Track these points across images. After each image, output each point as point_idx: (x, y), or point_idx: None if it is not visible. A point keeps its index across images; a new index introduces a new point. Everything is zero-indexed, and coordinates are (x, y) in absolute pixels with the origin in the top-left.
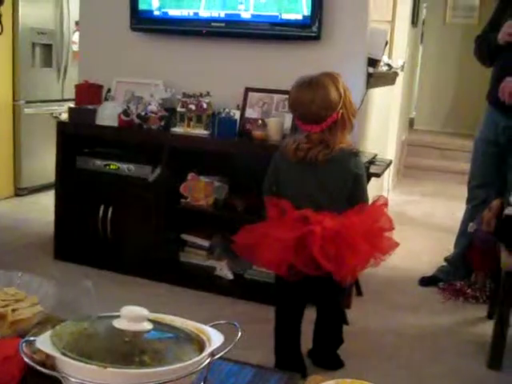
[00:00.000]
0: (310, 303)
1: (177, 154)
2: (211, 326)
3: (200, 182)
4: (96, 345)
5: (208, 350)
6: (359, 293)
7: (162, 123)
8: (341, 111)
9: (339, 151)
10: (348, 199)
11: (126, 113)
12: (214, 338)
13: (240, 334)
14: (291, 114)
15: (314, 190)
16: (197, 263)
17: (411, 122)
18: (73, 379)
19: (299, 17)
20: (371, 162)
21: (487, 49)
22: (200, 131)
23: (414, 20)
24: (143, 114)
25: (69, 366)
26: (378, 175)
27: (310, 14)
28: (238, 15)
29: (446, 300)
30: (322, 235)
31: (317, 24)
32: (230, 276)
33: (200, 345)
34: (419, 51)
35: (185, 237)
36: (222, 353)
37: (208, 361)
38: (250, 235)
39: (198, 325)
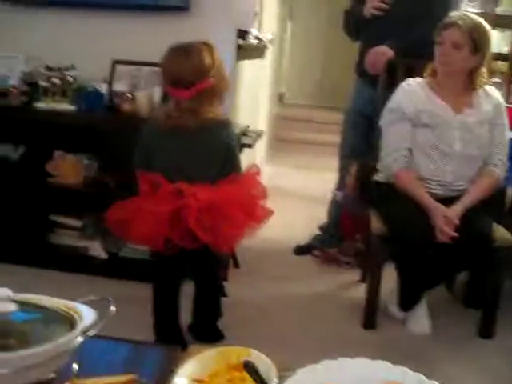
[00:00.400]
0: (188, 277)
1: (41, 130)
2: (83, 303)
3: (68, 160)
4: None
5: (79, 328)
6: (236, 265)
7: (24, 98)
8: (212, 80)
9: (211, 121)
10: (221, 170)
11: None
12: (86, 315)
13: (113, 308)
14: (161, 87)
15: (186, 162)
16: (68, 244)
17: (281, 97)
18: None
19: None
20: (243, 133)
21: (354, 22)
22: (65, 106)
23: None
24: (4, 89)
25: None
26: (250, 146)
27: None
28: None
29: (320, 267)
30: (197, 207)
31: None
32: (104, 255)
33: (71, 323)
34: (288, 26)
35: (54, 217)
36: (95, 329)
37: (80, 339)
38: (123, 211)
39: (68, 302)
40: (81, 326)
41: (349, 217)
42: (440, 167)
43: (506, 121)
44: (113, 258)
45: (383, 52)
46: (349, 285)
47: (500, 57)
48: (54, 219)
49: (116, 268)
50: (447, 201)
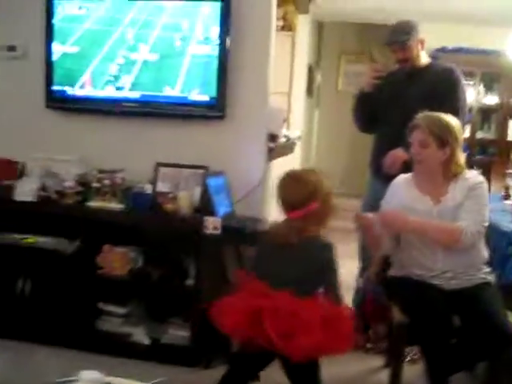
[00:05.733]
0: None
1: (93, 226)
2: None
3: (115, 253)
4: None
5: None
6: None
7: (78, 198)
8: (318, 204)
9: (313, 239)
10: (316, 284)
11: (43, 188)
12: None
13: None
14: (200, 188)
15: (283, 272)
16: (114, 331)
17: None
18: None
19: (206, 98)
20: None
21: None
22: (114, 205)
23: (310, 90)
24: (60, 189)
25: None
26: None
27: (215, 95)
28: (151, 96)
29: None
30: (274, 309)
31: (221, 105)
32: (146, 341)
33: None
34: (315, 117)
35: (101, 306)
36: None
37: None
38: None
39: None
40: None
41: (372, 303)
42: (428, 257)
43: (483, 199)
44: (155, 344)
45: (400, 156)
46: (374, 370)
47: None
48: (101, 307)
49: (158, 353)
50: (455, 294)
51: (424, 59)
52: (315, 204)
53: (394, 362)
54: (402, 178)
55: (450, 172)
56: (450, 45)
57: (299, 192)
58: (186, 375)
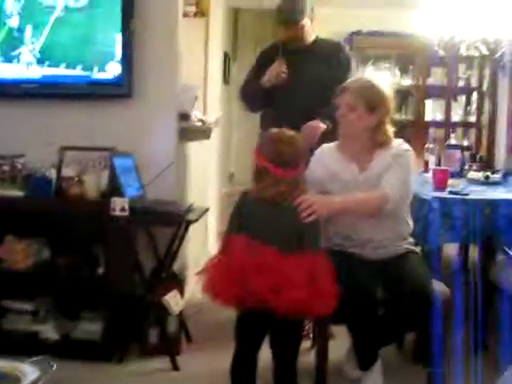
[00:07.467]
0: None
1: None
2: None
3: (18, 245)
4: None
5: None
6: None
7: None
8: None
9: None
10: (298, 243)
11: None
12: (29, 373)
13: (54, 366)
14: (107, 171)
15: (267, 230)
16: (21, 329)
17: (231, 177)
18: None
19: (109, 76)
20: (188, 210)
21: (255, 94)
22: (14, 192)
23: (226, 78)
24: None
25: None
26: (195, 221)
27: (120, 72)
28: (52, 76)
29: None
30: (260, 266)
31: (127, 83)
32: (56, 337)
33: (16, 381)
34: (233, 105)
35: (6, 303)
36: None
37: None
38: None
39: (13, 362)
40: (25, 382)
41: None
42: (350, 226)
43: (408, 167)
44: (64, 340)
45: (318, 126)
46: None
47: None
48: (5, 305)
49: (68, 349)
50: (379, 264)
51: (311, 36)
52: (302, 167)
53: (320, 342)
54: (326, 146)
55: (376, 141)
56: (365, 28)
57: (294, 152)
58: (97, 371)
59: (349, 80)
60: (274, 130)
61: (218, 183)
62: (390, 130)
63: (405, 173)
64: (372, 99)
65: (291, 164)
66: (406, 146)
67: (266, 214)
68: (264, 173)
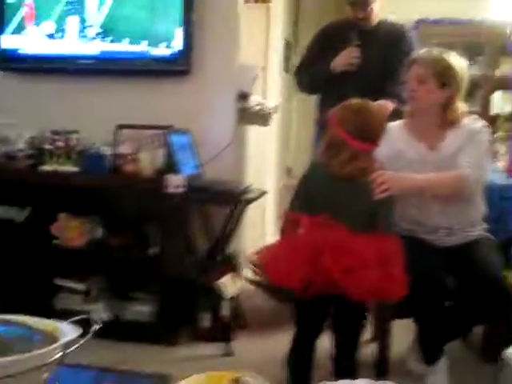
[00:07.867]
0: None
1: (46, 193)
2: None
3: (72, 222)
4: None
5: (60, 342)
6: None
7: (31, 162)
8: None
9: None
10: (371, 223)
11: None
12: (68, 332)
13: (97, 326)
14: (163, 149)
15: (340, 209)
16: (72, 308)
17: (289, 171)
18: None
19: (168, 52)
20: (246, 190)
21: (318, 77)
22: (69, 168)
23: (287, 66)
24: (10, 153)
25: None
26: (253, 200)
27: (180, 49)
28: (108, 52)
29: None
30: (331, 246)
31: (186, 59)
32: (105, 318)
33: (54, 340)
34: (293, 99)
35: (59, 281)
36: (76, 345)
37: (60, 354)
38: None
39: (51, 321)
40: (61, 341)
41: None
42: (422, 211)
43: (484, 145)
44: (116, 321)
45: (385, 105)
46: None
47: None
48: (59, 283)
49: (119, 330)
50: (450, 252)
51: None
52: (378, 144)
53: (381, 335)
54: (393, 124)
55: (446, 119)
56: (431, 16)
57: (377, 124)
58: (147, 353)
59: (420, 51)
60: (356, 100)
61: (277, 175)
62: (462, 107)
63: (482, 151)
64: (443, 73)
65: (372, 137)
66: (481, 122)
67: (337, 191)
68: (341, 145)
